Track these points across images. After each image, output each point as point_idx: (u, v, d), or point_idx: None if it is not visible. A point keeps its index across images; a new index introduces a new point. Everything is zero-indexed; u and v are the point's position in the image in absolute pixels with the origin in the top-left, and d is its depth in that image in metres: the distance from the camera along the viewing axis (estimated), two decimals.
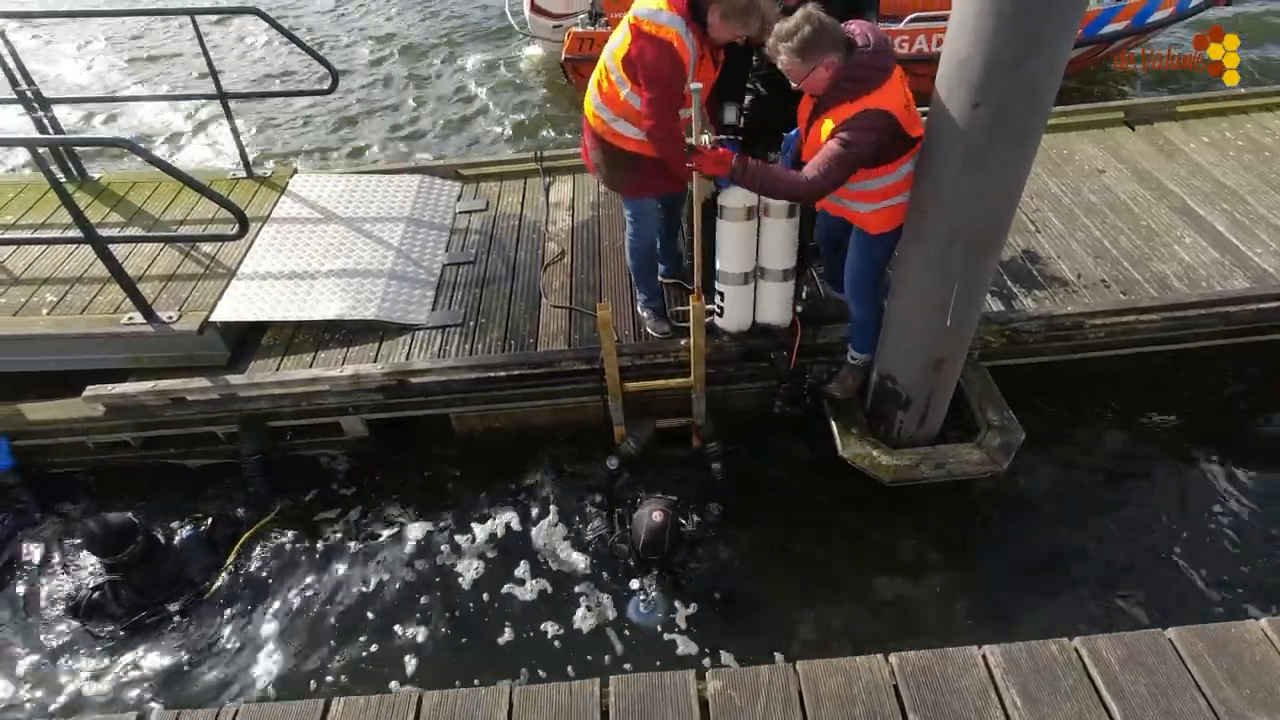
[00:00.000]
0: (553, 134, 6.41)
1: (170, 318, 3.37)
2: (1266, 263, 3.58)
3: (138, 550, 2.91)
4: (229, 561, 3.12)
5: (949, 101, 2.17)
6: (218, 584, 3.06)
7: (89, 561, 3.07)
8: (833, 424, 3.11)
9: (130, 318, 3.34)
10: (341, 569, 3.17)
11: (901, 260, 2.62)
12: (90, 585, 2.95)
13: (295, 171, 4.48)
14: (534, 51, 7.26)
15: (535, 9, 6.45)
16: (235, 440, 3.39)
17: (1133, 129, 4.65)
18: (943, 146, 2.25)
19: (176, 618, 2.97)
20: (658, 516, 2.86)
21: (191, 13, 3.89)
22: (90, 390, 3.21)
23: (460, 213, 4.32)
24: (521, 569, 3.13)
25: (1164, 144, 4.47)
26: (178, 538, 3.14)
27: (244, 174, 4.37)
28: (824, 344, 3.29)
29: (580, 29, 5.95)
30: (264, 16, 3.92)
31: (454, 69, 7.48)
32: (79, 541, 3.12)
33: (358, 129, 6.69)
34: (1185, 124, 4.62)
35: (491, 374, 3.29)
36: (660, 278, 3.63)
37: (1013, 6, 1.91)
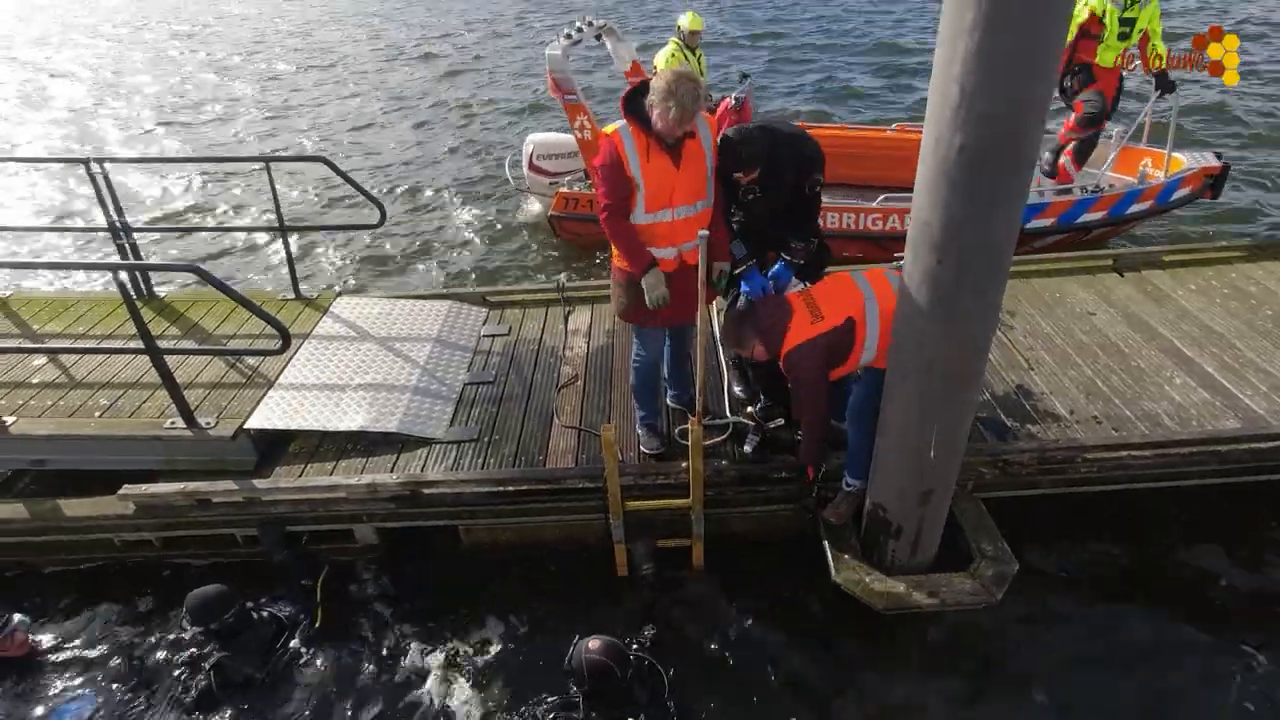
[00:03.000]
0: (560, 272, 6.89)
1: (208, 423, 3.64)
2: (1257, 404, 3.67)
3: (236, 618, 3.14)
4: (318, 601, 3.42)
5: (916, 258, 2.42)
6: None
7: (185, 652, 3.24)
8: (827, 549, 3.16)
9: (172, 422, 3.62)
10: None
11: (886, 397, 2.79)
12: (200, 669, 3.13)
13: (339, 295, 4.91)
14: (532, 207, 7.75)
15: (533, 168, 6.96)
16: (253, 543, 3.54)
17: (1122, 275, 4.91)
18: (914, 297, 2.48)
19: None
20: (594, 645, 2.76)
21: (266, 160, 4.47)
22: (125, 489, 3.43)
23: (484, 336, 4.65)
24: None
25: (1152, 290, 4.71)
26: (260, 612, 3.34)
27: (292, 295, 4.81)
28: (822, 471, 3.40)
29: (567, 189, 6.49)
30: (328, 164, 4.48)
31: (483, 211, 8.25)
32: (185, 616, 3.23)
33: (399, 260, 7.34)
34: (1172, 272, 4.87)
35: (500, 488, 3.45)
36: (670, 403, 3.85)
37: (965, 176, 2.20)
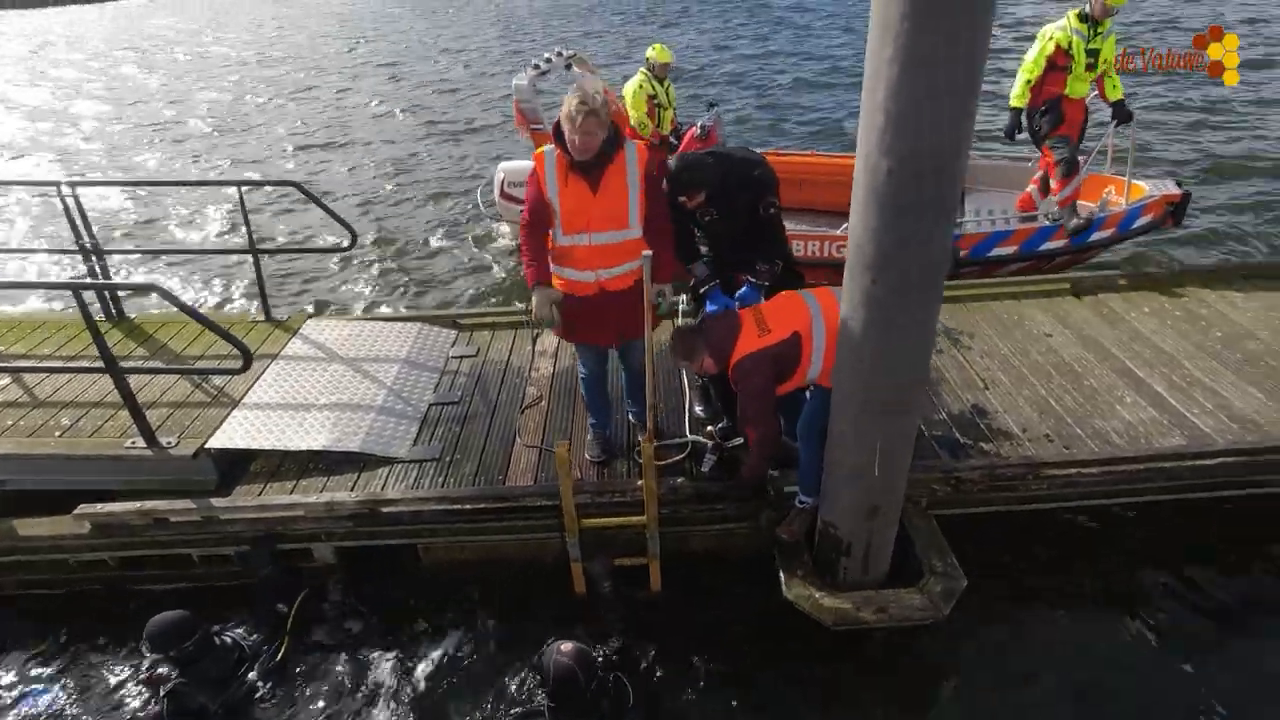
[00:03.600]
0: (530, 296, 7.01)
1: (170, 443, 3.65)
2: (1203, 423, 3.76)
3: (197, 645, 3.06)
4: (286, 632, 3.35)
5: (853, 278, 2.50)
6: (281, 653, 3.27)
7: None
8: (779, 566, 3.19)
9: (133, 442, 3.62)
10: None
11: (831, 414, 2.85)
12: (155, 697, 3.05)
13: (309, 317, 4.95)
14: (504, 234, 7.87)
15: (505, 195, 6.96)
16: (212, 564, 3.53)
17: (1079, 298, 5.02)
18: (852, 317, 2.55)
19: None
20: (566, 648, 2.80)
21: (238, 184, 4.53)
22: (81, 509, 3.42)
23: (452, 357, 4.70)
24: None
25: (1107, 312, 4.82)
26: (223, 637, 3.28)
27: (264, 317, 4.84)
28: (775, 488, 3.44)
29: None
30: (300, 189, 4.55)
31: (456, 237, 8.39)
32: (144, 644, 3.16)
33: (373, 284, 7.45)
34: (1127, 295, 4.99)
35: (458, 506, 3.47)
36: (632, 419, 3.91)
37: (893, 200, 2.29)
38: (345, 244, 4.71)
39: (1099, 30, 5.31)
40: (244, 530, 3.44)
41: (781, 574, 3.17)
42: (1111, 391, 4.05)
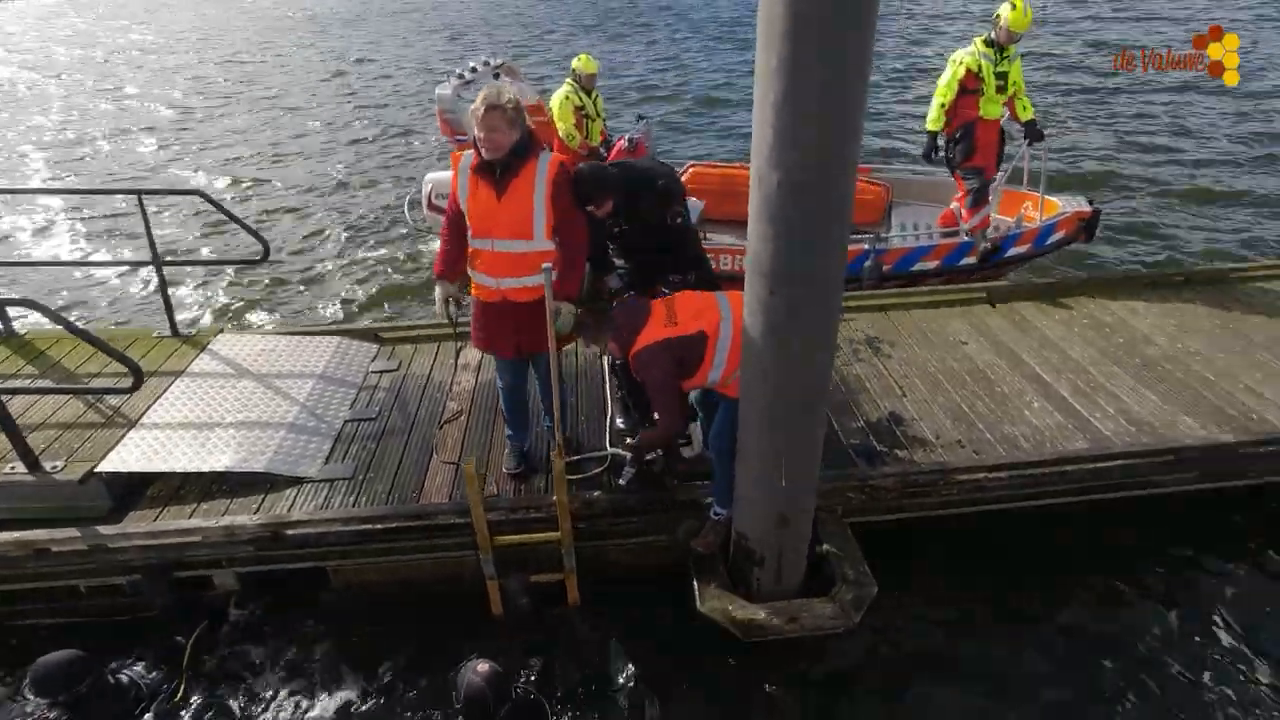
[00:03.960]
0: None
1: (55, 467, 3.43)
2: (1104, 426, 3.90)
3: (90, 688, 2.82)
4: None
5: (752, 288, 2.51)
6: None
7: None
8: (694, 579, 3.18)
9: (12, 467, 3.40)
10: None
11: (739, 425, 2.86)
12: None
13: (220, 331, 4.75)
14: (432, 246, 7.75)
15: (432, 206, 6.86)
16: (98, 596, 3.32)
17: (994, 306, 5.19)
18: (752, 327, 2.56)
19: None
20: (482, 668, 2.74)
21: (138, 192, 4.33)
22: None
23: (372, 372, 4.56)
24: None
25: (1020, 320, 4.99)
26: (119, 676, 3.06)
27: (169, 333, 4.62)
28: (689, 500, 3.43)
29: None
30: (205, 196, 4.37)
31: (383, 249, 8.26)
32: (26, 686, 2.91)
33: (296, 297, 7.25)
34: (1038, 304, 5.17)
35: (368, 526, 3.35)
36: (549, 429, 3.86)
37: (784, 211, 2.30)
38: (258, 256, 4.53)
39: (1005, 54, 5.49)
40: (135, 559, 3.25)
41: (695, 586, 3.15)
42: (1021, 397, 4.17)
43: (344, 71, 19.11)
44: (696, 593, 3.12)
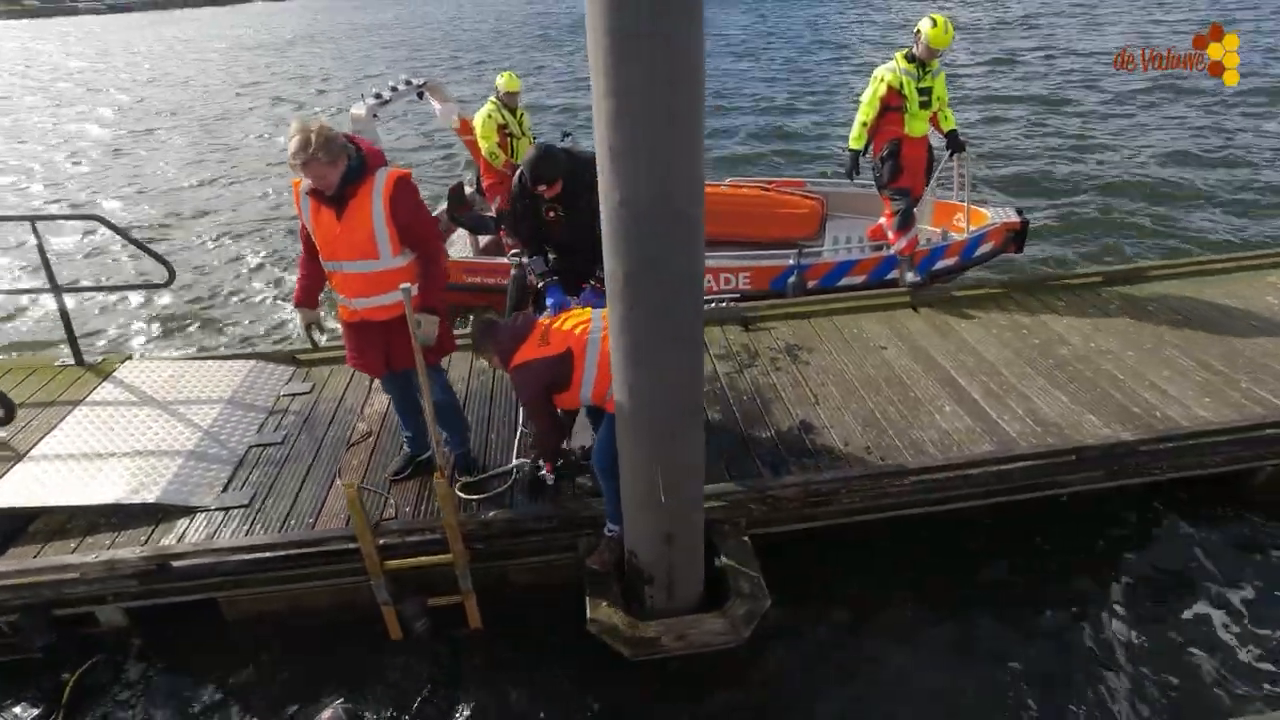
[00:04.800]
0: None
1: None
2: (1011, 428, 3.92)
3: None
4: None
5: (612, 305, 2.48)
6: None
7: None
8: (587, 596, 3.13)
9: None
10: None
11: (617, 441, 2.83)
12: None
13: (128, 359, 4.64)
14: None
15: None
16: None
17: (916, 311, 5.21)
18: (616, 345, 2.53)
19: None
20: (325, 716, 2.76)
21: (33, 219, 4.23)
22: None
23: (284, 395, 4.48)
24: None
25: (940, 324, 5.01)
26: None
27: (73, 361, 4.51)
28: (589, 517, 3.39)
29: None
30: (104, 221, 4.28)
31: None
32: None
33: (204, 320, 7.26)
34: (960, 307, 5.20)
35: (259, 554, 3.27)
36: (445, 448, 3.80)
37: (629, 229, 2.28)
38: (162, 281, 4.44)
39: (928, 69, 5.33)
40: (9, 598, 3.14)
41: (588, 604, 3.10)
42: (934, 401, 4.18)
43: (280, 97, 19.09)
44: (588, 610, 3.07)
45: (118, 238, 4.30)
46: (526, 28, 27.54)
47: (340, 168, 2.79)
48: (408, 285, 2.66)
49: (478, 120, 6.02)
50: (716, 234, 6.49)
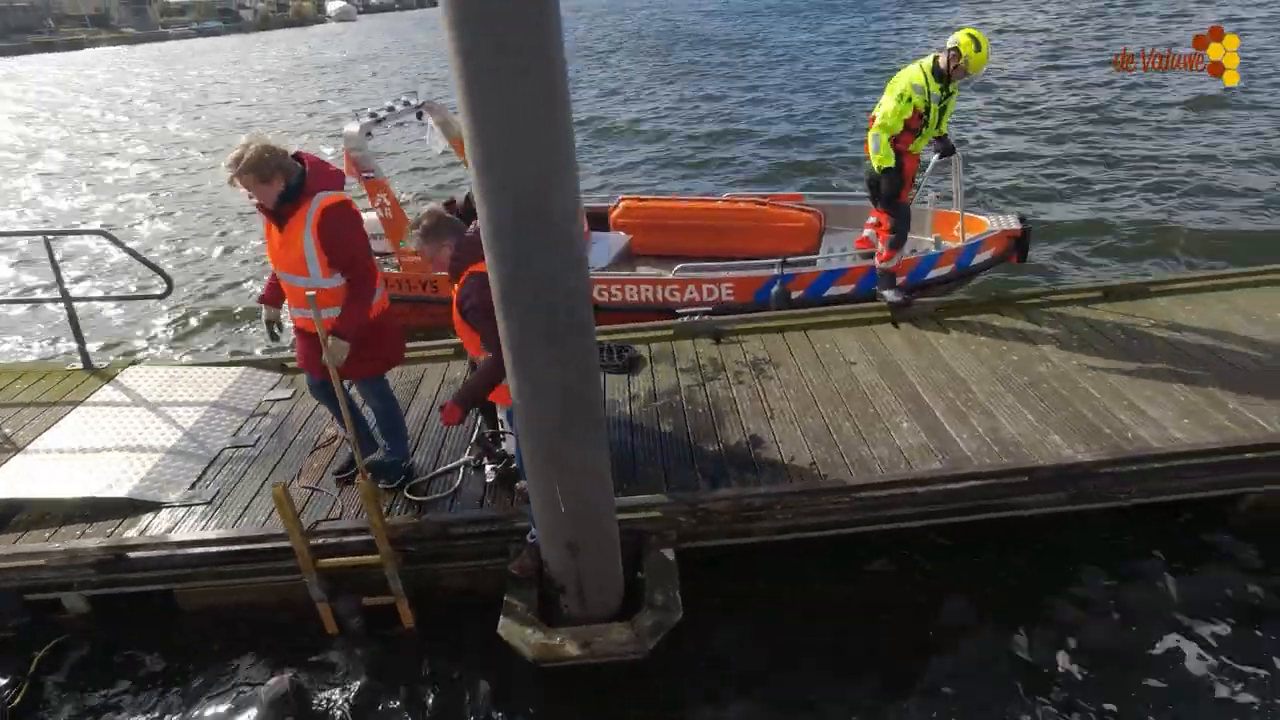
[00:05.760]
0: None
1: None
2: (967, 446, 3.79)
3: None
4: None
5: (501, 316, 2.53)
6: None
7: None
8: (504, 600, 3.19)
9: None
10: None
11: (520, 449, 2.88)
12: None
13: (133, 363, 4.98)
14: None
15: None
16: None
17: (896, 326, 5.09)
18: (506, 355, 2.59)
19: None
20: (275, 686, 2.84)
21: (45, 234, 4.61)
22: None
23: (266, 400, 4.72)
24: None
25: (918, 339, 4.88)
26: None
27: (80, 365, 4.87)
28: (523, 525, 3.45)
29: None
30: (108, 236, 4.64)
31: None
32: None
33: (205, 329, 7.84)
34: (940, 320, 5.06)
35: (206, 549, 3.47)
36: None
37: (504, 241, 2.35)
38: (161, 291, 4.76)
39: (950, 90, 4.95)
40: None
41: (503, 608, 3.16)
42: (892, 418, 4.08)
43: (338, 115, 20.07)
44: (502, 616, 3.13)
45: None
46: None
47: (275, 186, 2.97)
48: (312, 294, 2.81)
49: (459, 144, 6.20)
50: (713, 250, 6.52)
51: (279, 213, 3.05)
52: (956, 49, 4.74)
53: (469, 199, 3.34)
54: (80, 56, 52.72)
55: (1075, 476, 3.54)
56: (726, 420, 4.18)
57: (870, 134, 5.00)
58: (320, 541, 3.41)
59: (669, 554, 3.36)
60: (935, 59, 4.87)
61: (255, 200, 3.09)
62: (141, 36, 66.36)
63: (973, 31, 4.73)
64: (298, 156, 3.08)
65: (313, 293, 2.89)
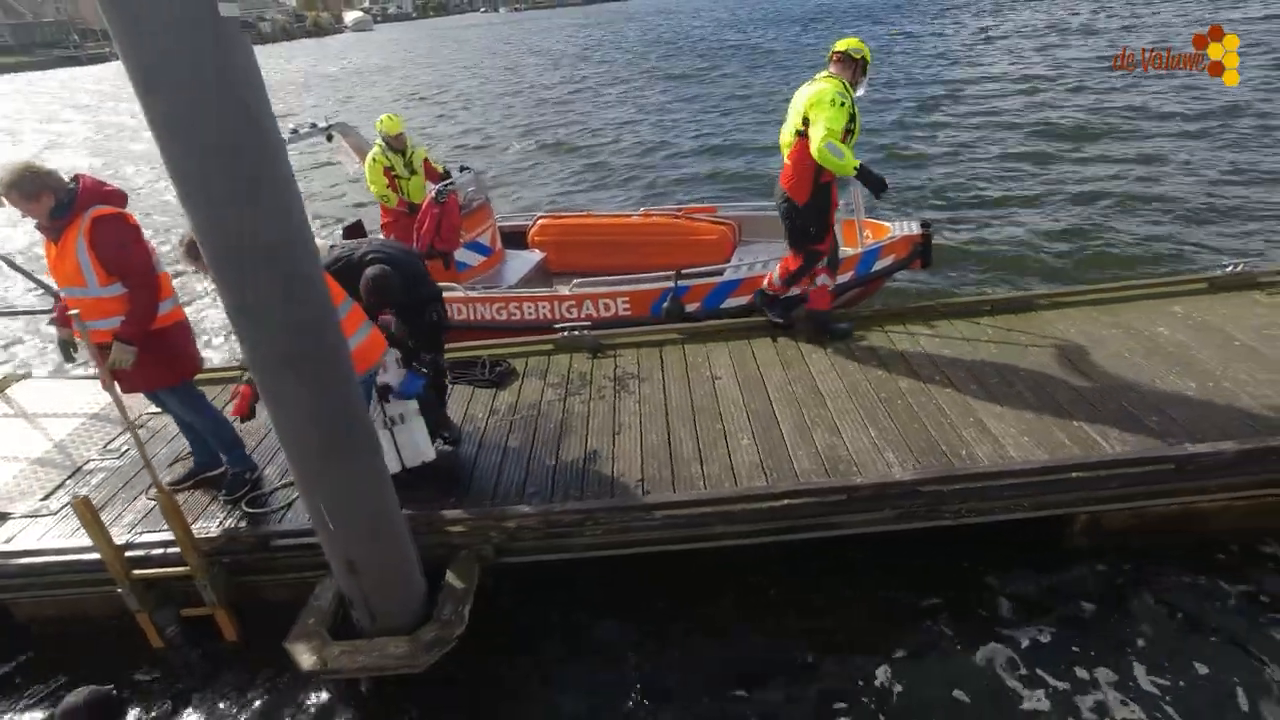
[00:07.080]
0: None
1: None
2: (800, 464, 3.75)
3: None
4: None
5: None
6: None
7: None
8: (300, 613, 3.23)
9: None
10: None
11: None
12: None
13: (23, 378, 5.14)
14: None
15: None
16: None
17: (774, 340, 5.04)
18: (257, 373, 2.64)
19: None
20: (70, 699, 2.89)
21: None
22: None
23: (147, 413, 4.82)
24: None
25: (790, 354, 4.83)
26: None
27: None
28: None
29: None
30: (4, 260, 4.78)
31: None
32: None
33: None
34: (821, 335, 5.01)
35: (31, 560, 3.57)
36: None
37: (230, 277, 2.39)
38: (50, 308, 4.90)
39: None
40: None
41: (297, 620, 3.20)
42: (736, 435, 4.05)
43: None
44: (294, 627, 3.18)
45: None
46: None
47: (45, 203, 3.10)
48: (76, 312, 2.91)
49: (365, 166, 6.26)
50: (629, 265, 6.50)
51: (54, 229, 3.18)
52: (857, 55, 4.46)
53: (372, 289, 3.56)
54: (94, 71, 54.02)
55: (894, 495, 3.49)
56: (573, 435, 4.20)
57: (816, 150, 4.30)
58: (140, 553, 3.49)
59: (472, 568, 3.39)
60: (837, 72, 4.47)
61: (32, 219, 3.21)
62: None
63: (858, 40, 4.55)
64: (76, 179, 3.20)
65: (76, 310, 3.00)
